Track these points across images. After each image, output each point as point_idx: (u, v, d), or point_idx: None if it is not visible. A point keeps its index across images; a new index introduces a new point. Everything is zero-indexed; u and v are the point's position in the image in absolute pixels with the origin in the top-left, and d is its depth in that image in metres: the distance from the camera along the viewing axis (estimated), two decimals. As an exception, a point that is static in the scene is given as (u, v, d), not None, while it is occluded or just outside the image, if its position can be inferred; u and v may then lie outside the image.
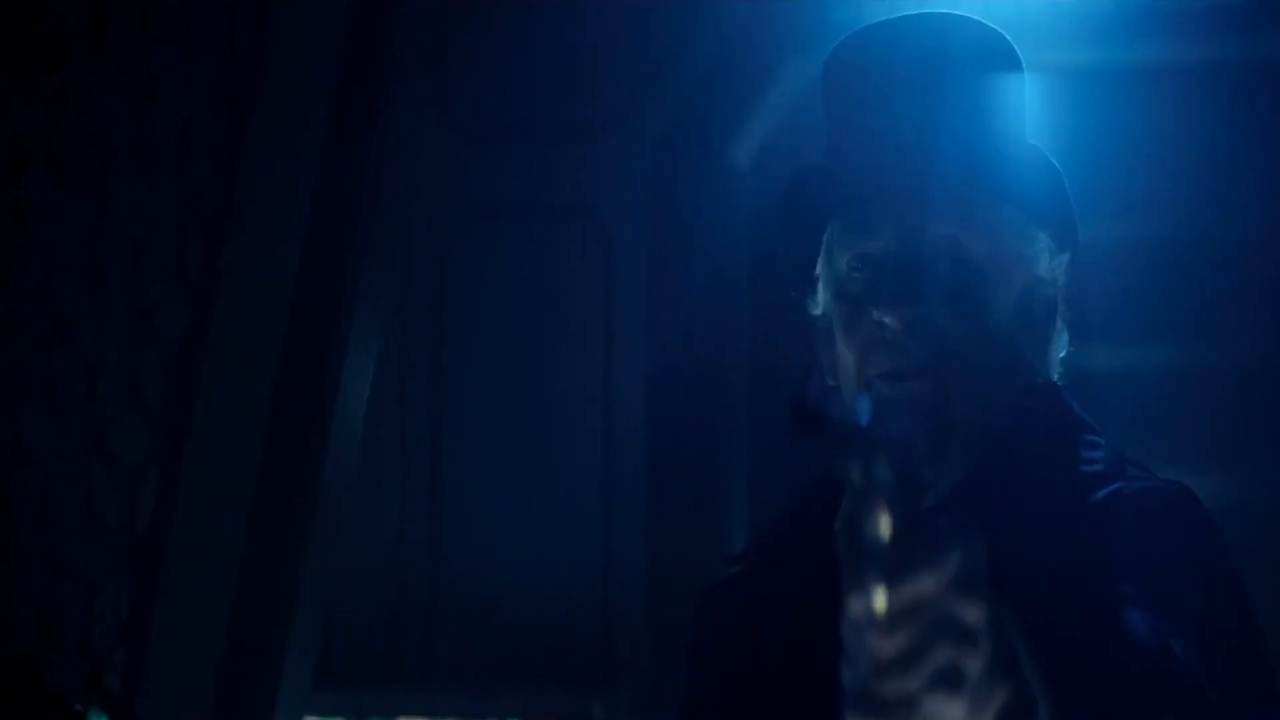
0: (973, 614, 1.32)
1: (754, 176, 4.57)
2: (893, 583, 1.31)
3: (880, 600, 1.31)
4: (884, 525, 1.32)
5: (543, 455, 4.43)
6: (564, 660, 4.36)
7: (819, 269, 1.91)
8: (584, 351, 4.46)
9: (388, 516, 4.49)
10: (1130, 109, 4.46)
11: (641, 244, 4.49)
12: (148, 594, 3.17)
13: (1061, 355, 1.96)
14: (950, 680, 1.32)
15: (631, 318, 4.46)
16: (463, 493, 4.48)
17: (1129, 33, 4.46)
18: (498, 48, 4.50)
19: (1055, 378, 1.96)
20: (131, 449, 3.27)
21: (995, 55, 1.93)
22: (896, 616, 1.31)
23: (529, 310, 4.49)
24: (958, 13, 1.94)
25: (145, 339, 3.29)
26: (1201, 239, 4.46)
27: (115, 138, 3.37)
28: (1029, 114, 1.95)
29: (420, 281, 4.51)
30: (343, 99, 3.38)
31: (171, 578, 3.17)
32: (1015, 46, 1.95)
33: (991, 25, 1.95)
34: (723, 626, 1.97)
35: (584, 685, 4.30)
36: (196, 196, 3.34)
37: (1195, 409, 4.37)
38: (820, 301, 1.92)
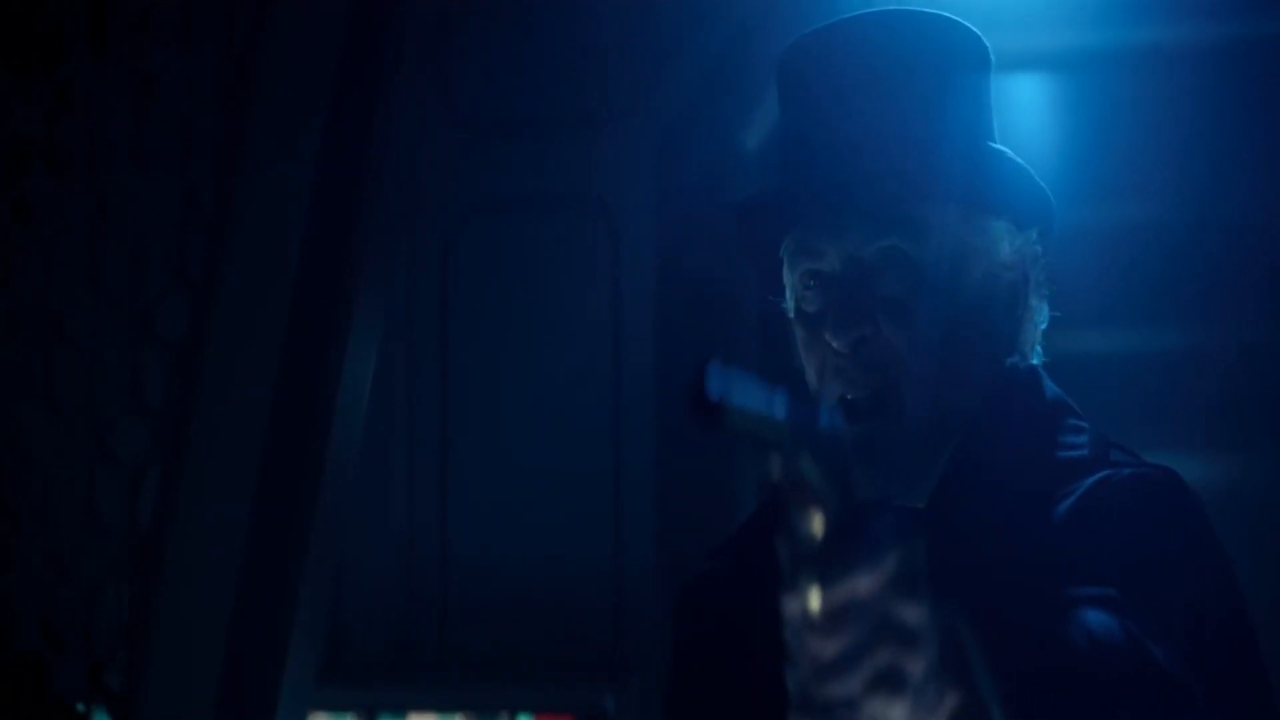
0: (913, 614, 1.30)
1: (763, 164, 4.55)
2: (827, 583, 1.28)
3: (815, 601, 1.28)
4: (816, 524, 1.29)
5: (551, 447, 4.41)
6: (574, 653, 4.34)
7: (784, 277, 1.91)
8: (592, 342, 4.45)
9: (395, 511, 4.48)
10: (1123, 92, 4.44)
11: (649, 233, 4.47)
12: (149, 594, 3.16)
13: (1042, 328, 1.94)
14: (892, 682, 1.30)
15: (639, 308, 4.44)
16: (471, 486, 4.46)
17: (1126, 15, 4.43)
18: (502, 38, 4.48)
19: (1034, 358, 1.94)
20: (132, 449, 3.27)
21: (941, 52, 1.91)
22: (833, 618, 1.29)
23: (537, 301, 4.47)
24: (911, 8, 1.92)
25: (145, 338, 3.28)
26: (1194, 222, 4.43)
27: (114, 136, 3.36)
28: (987, 104, 1.93)
29: (427, 273, 4.50)
30: (342, 94, 3.36)
31: (173, 578, 3.16)
32: (979, 36, 1.93)
33: (949, 16, 1.92)
34: (695, 619, 1.97)
35: (594, 678, 4.28)
36: (196, 194, 3.33)
37: (1181, 391, 4.35)
38: (790, 307, 1.92)
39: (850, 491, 1.32)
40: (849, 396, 1.83)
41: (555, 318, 4.45)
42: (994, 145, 1.92)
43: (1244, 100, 4.38)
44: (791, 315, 1.92)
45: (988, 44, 1.94)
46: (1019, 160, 1.91)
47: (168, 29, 3.40)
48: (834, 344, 1.83)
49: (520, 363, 4.44)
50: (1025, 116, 4.36)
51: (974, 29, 1.93)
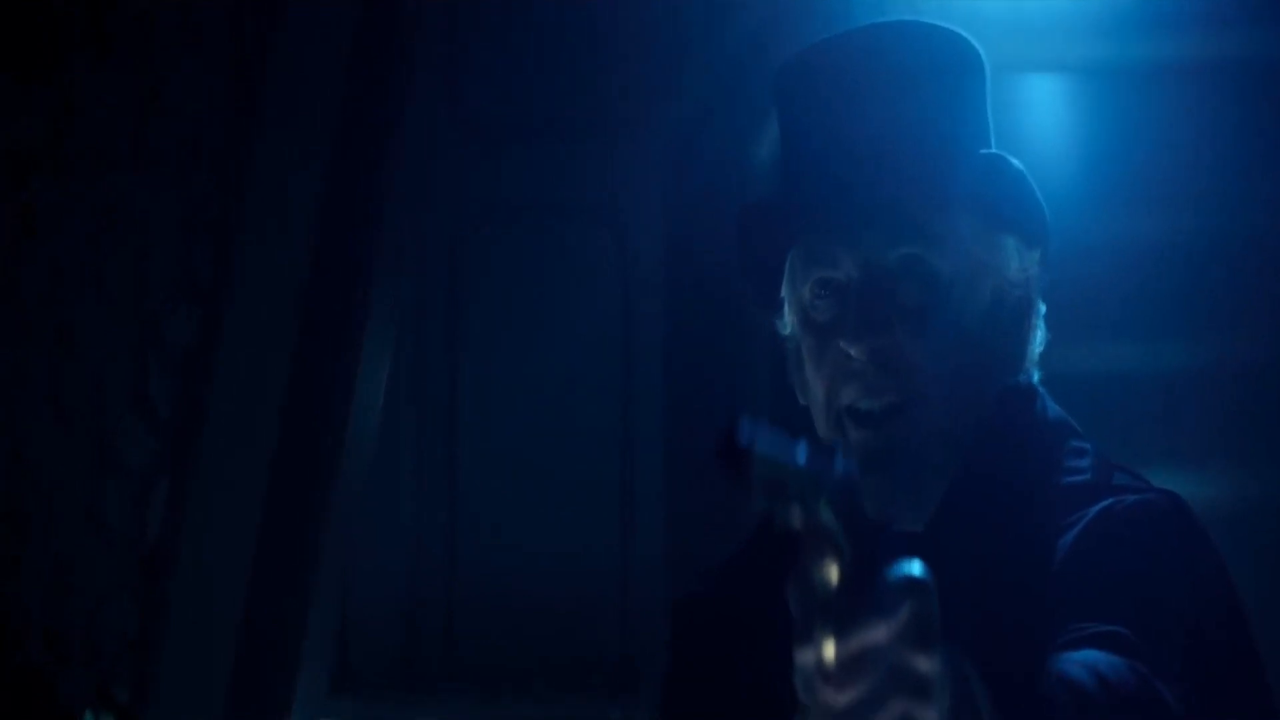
0: (926, 664, 1.27)
1: (773, 173, 4.53)
2: (843, 633, 1.26)
3: (829, 652, 1.26)
4: (831, 574, 1.27)
5: (560, 460, 4.40)
6: (581, 666, 4.33)
7: (784, 291, 1.88)
8: (601, 350, 4.43)
9: (404, 519, 4.47)
10: (1128, 106, 4.43)
11: (659, 241, 4.46)
12: (156, 606, 3.13)
13: (1040, 351, 1.92)
14: None
15: (649, 316, 4.43)
16: (479, 499, 4.45)
17: (1130, 29, 4.42)
18: (512, 45, 4.47)
19: (1034, 377, 1.92)
20: (139, 458, 3.24)
21: (950, 63, 1.89)
22: (848, 668, 1.26)
23: (546, 308, 4.46)
24: (912, 19, 1.90)
25: (152, 346, 3.26)
26: (1200, 238, 4.42)
27: (120, 143, 3.34)
28: (991, 116, 1.92)
29: (436, 280, 4.48)
30: (352, 100, 3.34)
31: (180, 589, 3.14)
32: (978, 48, 1.92)
33: (951, 28, 1.91)
34: (689, 644, 1.94)
35: (601, 691, 4.27)
36: (203, 200, 3.30)
37: (1185, 408, 4.34)
38: (788, 323, 1.89)
39: (867, 540, 1.30)
40: (862, 406, 1.81)
41: (564, 325, 4.43)
42: (1004, 156, 1.90)
43: (1248, 117, 4.37)
44: (788, 331, 1.89)
45: (984, 55, 1.93)
46: (1029, 176, 1.90)
47: (174, 33, 3.38)
48: (851, 351, 1.81)
49: (530, 370, 4.43)
50: (1028, 129, 4.35)
51: (973, 40, 1.92)
